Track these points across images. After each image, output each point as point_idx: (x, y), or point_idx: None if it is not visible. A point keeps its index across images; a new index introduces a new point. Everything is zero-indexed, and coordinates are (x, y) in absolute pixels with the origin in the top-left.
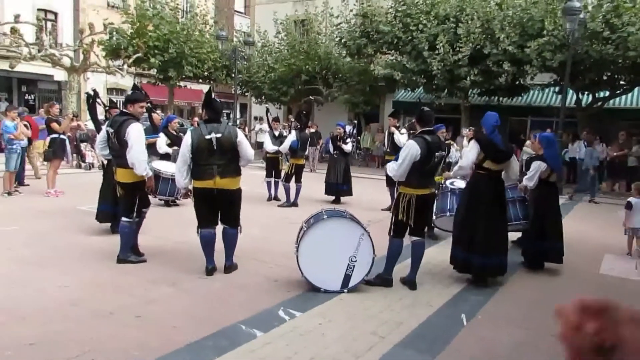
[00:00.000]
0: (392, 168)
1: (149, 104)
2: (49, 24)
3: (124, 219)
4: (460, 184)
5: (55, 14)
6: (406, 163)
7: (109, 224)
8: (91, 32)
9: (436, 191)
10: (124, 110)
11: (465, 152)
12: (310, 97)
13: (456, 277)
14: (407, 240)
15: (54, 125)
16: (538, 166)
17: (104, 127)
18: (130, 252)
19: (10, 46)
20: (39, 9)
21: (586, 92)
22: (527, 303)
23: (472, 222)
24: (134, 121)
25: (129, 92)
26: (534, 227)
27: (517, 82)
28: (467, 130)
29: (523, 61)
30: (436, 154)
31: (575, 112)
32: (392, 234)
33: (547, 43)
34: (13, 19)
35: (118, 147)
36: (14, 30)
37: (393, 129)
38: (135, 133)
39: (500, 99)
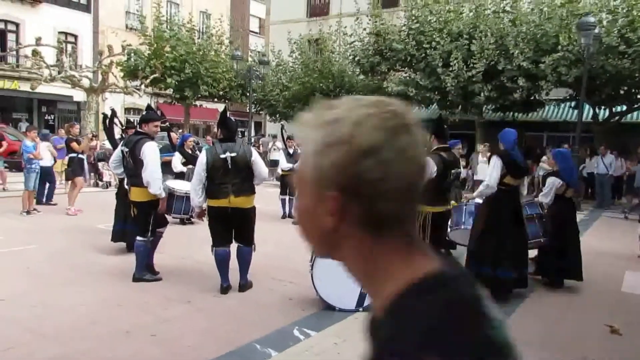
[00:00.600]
0: None
1: (166, 124)
2: (69, 46)
3: (138, 238)
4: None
5: (76, 37)
6: None
7: (124, 243)
8: (110, 53)
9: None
10: (139, 130)
11: (489, 171)
12: None
13: None
14: None
15: (74, 144)
16: (552, 182)
17: (119, 147)
18: (145, 271)
19: (32, 68)
20: (59, 32)
21: (603, 107)
22: (548, 322)
23: (492, 236)
24: (148, 140)
25: (144, 112)
26: (553, 243)
27: (532, 98)
28: (483, 146)
29: (538, 76)
30: (452, 170)
31: (592, 126)
32: None
33: (562, 58)
34: (35, 42)
35: (133, 166)
36: (35, 53)
37: None
38: (150, 152)
39: (516, 114)
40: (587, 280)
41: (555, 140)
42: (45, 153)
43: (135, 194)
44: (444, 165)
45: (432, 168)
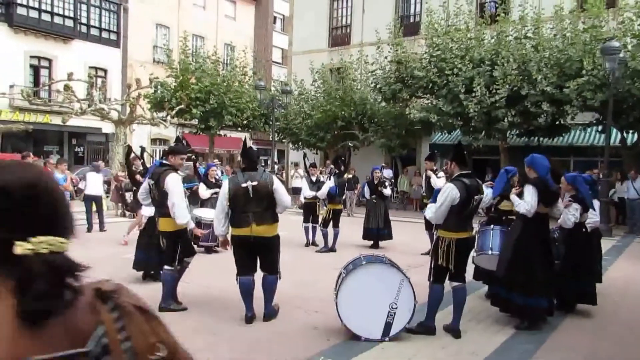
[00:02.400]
0: (430, 210)
1: (192, 155)
2: (99, 80)
3: (166, 267)
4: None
5: (105, 71)
6: (445, 206)
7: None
8: (138, 86)
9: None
10: (164, 161)
11: (527, 198)
12: (349, 142)
13: (503, 324)
14: (449, 286)
15: (138, 177)
16: (576, 209)
17: (145, 181)
18: (171, 301)
19: (63, 102)
20: (90, 67)
21: (631, 131)
22: (580, 353)
23: (522, 264)
24: (171, 171)
25: (172, 144)
26: (566, 267)
27: (557, 122)
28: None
29: (562, 101)
30: (475, 197)
31: (621, 150)
32: (431, 279)
33: (587, 83)
34: (67, 77)
35: (159, 198)
36: (67, 87)
37: (430, 172)
38: (173, 183)
39: (541, 139)
40: (621, 308)
41: (582, 165)
42: (97, 183)
43: (163, 224)
44: (466, 192)
45: (455, 195)
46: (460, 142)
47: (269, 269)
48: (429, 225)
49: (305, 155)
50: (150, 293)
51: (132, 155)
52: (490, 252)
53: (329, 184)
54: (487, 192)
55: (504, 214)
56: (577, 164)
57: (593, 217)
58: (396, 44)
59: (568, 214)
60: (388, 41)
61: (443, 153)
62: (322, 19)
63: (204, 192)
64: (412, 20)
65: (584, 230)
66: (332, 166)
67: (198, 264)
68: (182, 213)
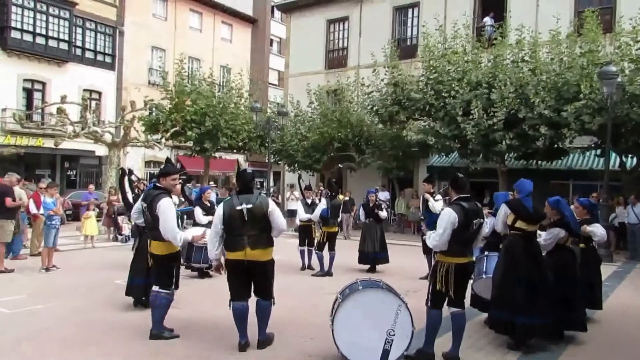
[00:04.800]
0: (433, 238)
1: (183, 176)
2: (93, 103)
3: (162, 290)
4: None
5: (100, 93)
6: (447, 232)
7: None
8: (132, 109)
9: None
10: (157, 184)
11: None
12: (340, 165)
13: (504, 351)
14: (447, 312)
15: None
16: (557, 234)
17: (138, 201)
18: (163, 327)
19: (56, 125)
20: (84, 89)
21: (630, 155)
22: None
23: (510, 281)
24: (164, 195)
25: (162, 166)
26: (556, 294)
27: (555, 146)
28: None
29: (560, 124)
30: (474, 220)
31: (620, 175)
32: (429, 304)
33: (585, 106)
34: (60, 100)
35: (151, 221)
36: (60, 110)
37: (427, 195)
38: (165, 208)
39: (539, 162)
40: (626, 335)
41: (581, 189)
42: None
43: (155, 247)
44: (465, 216)
45: (454, 219)
46: (457, 169)
47: (263, 294)
48: (427, 249)
49: (300, 177)
50: (142, 320)
51: (136, 178)
52: (484, 275)
53: (322, 206)
54: (488, 222)
55: (502, 238)
56: (577, 187)
57: (599, 232)
58: (392, 66)
59: (540, 237)
60: (384, 64)
61: (441, 175)
62: (318, 42)
63: (200, 217)
64: (408, 43)
65: (569, 252)
66: (322, 189)
67: (190, 289)
68: (175, 237)
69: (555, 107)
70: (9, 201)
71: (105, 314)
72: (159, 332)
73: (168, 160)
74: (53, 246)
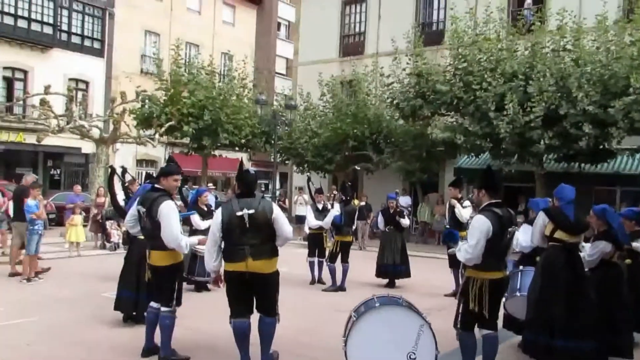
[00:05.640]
0: (465, 250)
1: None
2: (80, 94)
3: (163, 308)
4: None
5: (87, 83)
6: (481, 244)
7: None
8: (123, 100)
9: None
10: (156, 185)
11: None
12: (355, 165)
13: None
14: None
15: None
16: (602, 248)
17: (134, 205)
18: (172, 350)
19: (39, 119)
20: (70, 79)
21: None
22: None
23: (548, 299)
24: (166, 198)
25: (164, 165)
26: (600, 315)
27: (601, 147)
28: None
29: (607, 122)
30: (509, 229)
31: None
32: (459, 326)
33: (635, 102)
34: (43, 90)
35: (151, 228)
36: (43, 102)
37: (454, 201)
38: (168, 212)
39: (582, 165)
40: None
41: (630, 196)
42: None
43: (156, 258)
44: (499, 224)
45: (488, 228)
46: (490, 167)
47: (267, 311)
48: (454, 262)
49: (309, 179)
50: (133, 337)
51: (130, 177)
52: (518, 293)
53: (334, 212)
54: (521, 233)
55: (539, 251)
56: (625, 194)
57: None
58: (416, 54)
59: (583, 251)
60: (407, 51)
61: (470, 179)
62: (332, 26)
63: (199, 222)
64: (434, 28)
65: (615, 269)
66: (335, 192)
67: (186, 304)
68: (180, 244)
69: (601, 102)
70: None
71: (92, 331)
72: (167, 354)
73: (171, 158)
74: (35, 254)
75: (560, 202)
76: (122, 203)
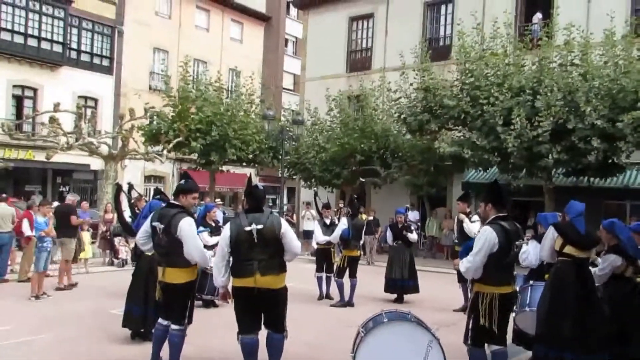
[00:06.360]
0: (467, 260)
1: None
2: (89, 111)
3: (173, 326)
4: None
5: (96, 100)
6: (482, 254)
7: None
8: (131, 117)
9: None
10: (173, 202)
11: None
12: (363, 180)
13: None
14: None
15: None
16: (612, 261)
17: (147, 221)
18: None
19: (48, 136)
20: (79, 96)
21: None
22: None
23: (558, 313)
24: (184, 215)
25: (182, 182)
26: (612, 329)
27: (610, 161)
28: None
29: (615, 137)
30: (515, 242)
31: None
32: (470, 342)
33: None
34: (52, 108)
35: (167, 245)
36: (52, 120)
37: (462, 216)
38: (188, 228)
39: (591, 179)
40: None
41: None
42: None
43: (172, 275)
44: (505, 237)
45: (493, 240)
46: (496, 181)
47: (275, 327)
48: (462, 277)
49: (316, 194)
50: (141, 354)
51: (136, 194)
52: (528, 308)
53: (342, 226)
54: (529, 249)
55: (549, 266)
56: (635, 208)
57: None
58: (423, 69)
59: (595, 262)
60: (414, 66)
61: (478, 193)
62: (339, 41)
63: (207, 237)
64: (441, 43)
65: (627, 283)
66: (341, 206)
67: (195, 321)
68: (203, 258)
69: (609, 116)
70: (74, 219)
71: (100, 347)
72: None
73: (186, 174)
74: (44, 271)
75: (570, 216)
76: (128, 220)
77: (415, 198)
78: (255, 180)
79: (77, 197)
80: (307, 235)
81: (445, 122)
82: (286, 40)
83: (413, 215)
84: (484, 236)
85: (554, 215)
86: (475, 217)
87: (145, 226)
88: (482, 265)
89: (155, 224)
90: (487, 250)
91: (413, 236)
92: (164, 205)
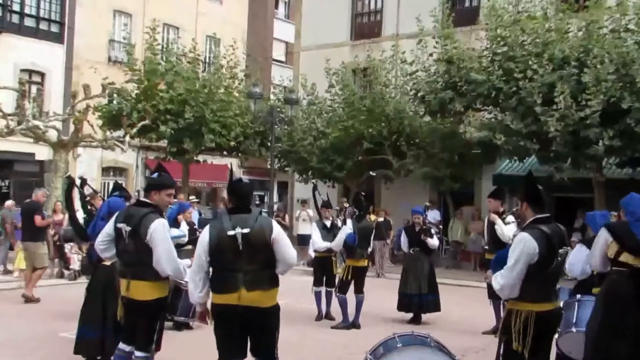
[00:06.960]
0: (500, 275)
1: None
2: (34, 88)
3: (138, 353)
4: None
5: (42, 75)
6: (519, 267)
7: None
8: (86, 95)
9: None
10: (143, 199)
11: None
12: (371, 172)
13: None
14: None
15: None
16: None
17: (109, 225)
18: None
19: None
20: (22, 70)
21: None
22: None
23: (611, 334)
24: (157, 216)
25: (154, 175)
26: None
27: None
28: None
29: None
30: (559, 250)
31: None
32: None
33: None
34: None
35: (135, 252)
36: None
37: (494, 216)
38: (161, 232)
39: None
40: None
41: None
42: None
43: (140, 291)
44: (547, 244)
45: (532, 248)
46: (530, 173)
47: (264, 354)
48: (494, 292)
49: (315, 188)
50: None
51: (90, 190)
52: (574, 328)
53: (346, 230)
54: (576, 257)
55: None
56: None
57: None
58: (445, 36)
59: None
60: (434, 33)
61: (512, 188)
62: (342, 3)
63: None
64: (467, 4)
65: None
66: (346, 205)
67: (165, 345)
68: (178, 271)
69: None
70: (38, 219)
71: None
72: None
73: (160, 167)
74: None
75: (628, 217)
76: (82, 221)
77: (436, 195)
78: (239, 173)
79: (42, 190)
80: (302, 241)
81: (473, 101)
82: (276, 2)
83: (433, 216)
84: (520, 245)
85: (604, 214)
86: (510, 218)
87: (108, 228)
88: (520, 282)
89: (121, 225)
90: (525, 263)
91: (433, 241)
92: (129, 203)
